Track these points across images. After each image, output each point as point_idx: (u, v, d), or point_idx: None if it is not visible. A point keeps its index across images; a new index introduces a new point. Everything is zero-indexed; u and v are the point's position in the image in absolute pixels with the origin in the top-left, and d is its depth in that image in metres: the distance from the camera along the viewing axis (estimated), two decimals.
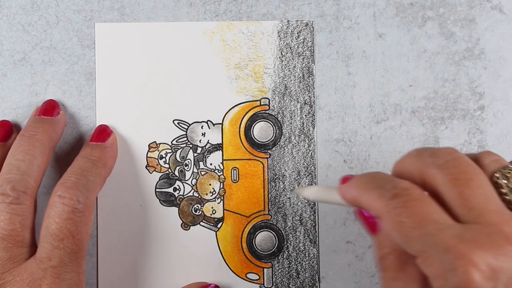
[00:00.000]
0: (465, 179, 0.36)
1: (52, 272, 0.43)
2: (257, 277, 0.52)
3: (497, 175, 0.37)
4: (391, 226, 0.36)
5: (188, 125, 0.52)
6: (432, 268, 0.35)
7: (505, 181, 0.37)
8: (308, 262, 0.52)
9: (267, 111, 0.52)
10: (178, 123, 0.51)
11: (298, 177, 0.52)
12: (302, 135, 0.52)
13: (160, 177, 0.51)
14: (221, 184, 0.52)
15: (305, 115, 0.52)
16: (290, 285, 0.52)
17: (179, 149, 0.51)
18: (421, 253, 0.35)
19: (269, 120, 0.52)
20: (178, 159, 0.51)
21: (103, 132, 0.50)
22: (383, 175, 0.39)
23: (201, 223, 0.52)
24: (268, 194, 0.52)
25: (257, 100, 0.52)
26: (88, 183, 0.46)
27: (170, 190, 0.51)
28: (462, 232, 0.34)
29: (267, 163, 0.52)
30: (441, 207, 0.36)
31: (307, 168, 0.52)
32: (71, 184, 0.45)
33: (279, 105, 0.52)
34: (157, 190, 0.51)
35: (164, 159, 0.51)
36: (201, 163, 0.52)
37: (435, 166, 0.37)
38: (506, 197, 0.37)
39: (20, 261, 0.44)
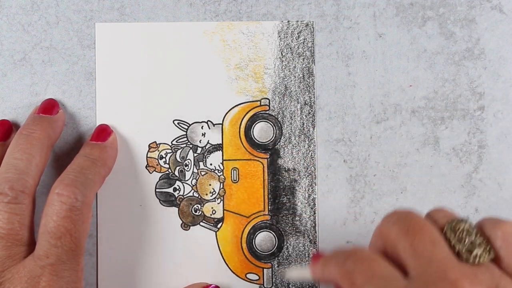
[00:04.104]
0: (414, 230, 0.39)
1: (50, 269, 0.43)
2: (257, 278, 0.52)
3: (445, 229, 0.39)
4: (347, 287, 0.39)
5: (188, 125, 0.52)
6: None
7: (453, 234, 0.39)
8: (308, 262, 0.52)
9: (267, 112, 0.52)
10: (178, 123, 0.51)
11: (298, 177, 0.52)
12: (302, 135, 0.52)
13: (160, 177, 0.51)
14: (221, 184, 0.52)
15: (305, 116, 0.52)
16: (290, 286, 0.52)
17: (179, 149, 0.51)
18: None
19: (269, 121, 0.52)
20: (178, 159, 0.51)
21: (103, 132, 0.50)
22: (341, 249, 0.42)
23: (201, 223, 0.51)
24: (268, 194, 0.52)
25: (257, 101, 0.52)
26: (87, 181, 0.46)
27: (170, 190, 0.51)
28: (409, 284, 0.37)
29: (267, 164, 0.52)
30: (393, 263, 0.39)
31: (307, 168, 0.52)
32: (70, 181, 0.45)
33: (279, 105, 0.52)
34: (157, 190, 0.51)
35: (164, 159, 0.51)
36: (201, 163, 0.52)
37: (389, 223, 0.40)
38: (455, 248, 0.38)
39: (19, 259, 0.44)
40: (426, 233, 0.38)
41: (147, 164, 0.51)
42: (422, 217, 0.40)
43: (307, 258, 0.52)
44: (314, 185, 0.52)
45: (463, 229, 0.39)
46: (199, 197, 0.52)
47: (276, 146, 0.52)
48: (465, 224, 0.39)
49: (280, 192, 0.52)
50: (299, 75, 0.52)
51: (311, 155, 0.52)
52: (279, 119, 0.52)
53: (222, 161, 0.52)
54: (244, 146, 0.52)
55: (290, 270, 0.49)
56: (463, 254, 0.38)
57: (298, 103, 0.52)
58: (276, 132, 0.52)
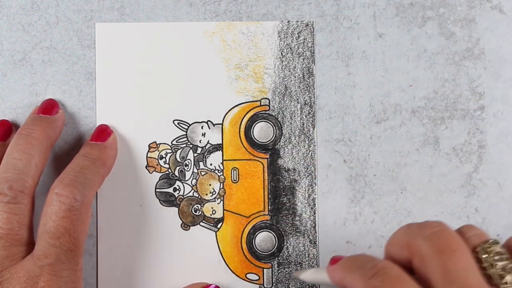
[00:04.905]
0: (448, 251, 0.37)
1: (49, 269, 0.43)
2: (257, 278, 0.52)
3: (478, 249, 0.38)
4: None
5: (188, 125, 0.52)
6: None
7: (485, 256, 0.38)
8: (308, 262, 0.52)
9: (267, 112, 0.52)
10: (178, 123, 0.52)
11: (298, 177, 0.52)
12: (302, 136, 0.52)
13: (160, 177, 0.51)
14: (221, 184, 0.52)
15: (305, 116, 0.52)
16: (290, 286, 0.52)
17: (179, 149, 0.52)
18: None
19: (269, 121, 0.52)
20: (178, 159, 0.51)
21: (103, 132, 0.50)
22: (366, 256, 0.40)
23: (201, 223, 0.51)
24: (268, 194, 0.52)
25: (257, 101, 0.52)
26: (86, 180, 0.46)
27: (170, 190, 0.51)
28: None
29: (267, 164, 0.52)
30: (422, 282, 0.37)
31: (307, 168, 0.52)
32: (69, 181, 0.45)
33: (279, 105, 0.52)
34: (157, 190, 0.51)
35: (164, 159, 0.51)
36: (201, 163, 0.52)
37: (421, 237, 0.38)
38: (486, 271, 0.37)
39: (18, 259, 0.44)
40: (459, 256, 0.37)
41: (147, 164, 0.51)
42: (456, 234, 0.38)
43: (307, 258, 0.52)
44: (314, 185, 0.52)
45: (495, 252, 0.38)
46: (199, 197, 0.52)
47: (276, 146, 0.52)
48: (497, 247, 0.38)
49: (280, 192, 0.52)
50: (299, 75, 0.52)
51: (311, 155, 0.52)
52: (279, 119, 0.52)
53: (222, 161, 0.52)
54: (244, 146, 0.52)
55: (303, 271, 0.47)
56: (494, 280, 0.37)
57: (298, 103, 0.52)
58: (276, 132, 0.52)
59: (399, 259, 0.40)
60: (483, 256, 0.38)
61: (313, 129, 0.52)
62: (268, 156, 0.52)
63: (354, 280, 0.39)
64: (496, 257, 0.38)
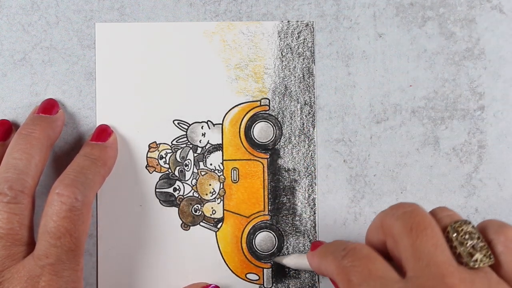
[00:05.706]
0: (418, 229, 0.38)
1: (49, 269, 0.43)
2: (257, 278, 0.52)
3: (448, 229, 0.39)
4: (342, 286, 0.39)
5: (188, 125, 0.52)
6: None
7: (455, 235, 0.38)
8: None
9: (267, 112, 0.52)
10: (178, 123, 0.52)
11: (298, 177, 0.52)
12: (302, 136, 0.52)
13: (160, 177, 0.51)
14: (221, 184, 0.52)
15: (305, 116, 0.52)
16: (290, 286, 0.52)
17: (179, 149, 0.52)
18: None
19: (269, 121, 0.52)
20: (178, 159, 0.51)
21: (104, 132, 0.50)
22: (340, 242, 0.42)
23: (201, 223, 0.51)
24: (268, 194, 0.52)
25: (257, 101, 0.52)
26: (87, 180, 0.46)
27: (170, 190, 0.51)
28: (405, 286, 0.36)
29: (267, 164, 0.52)
30: (392, 261, 0.39)
31: (307, 168, 0.52)
32: (70, 181, 0.45)
33: (279, 105, 0.52)
34: (157, 190, 0.51)
35: (164, 159, 0.51)
36: (201, 163, 0.52)
37: (393, 217, 0.39)
38: (456, 250, 0.38)
39: (19, 259, 0.44)
40: (429, 234, 0.38)
41: (147, 164, 0.51)
42: (427, 214, 0.39)
43: None
44: (314, 185, 0.52)
45: (466, 232, 0.38)
46: (199, 197, 0.52)
47: (276, 146, 0.52)
48: (468, 226, 0.39)
49: (280, 192, 0.52)
50: (299, 75, 0.52)
51: (311, 155, 0.52)
52: (279, 119, 0.52)
53: (222, 161, 0.52)
54: (244, 146, 0.52)
55: (286, 256, 0.50)
56: (463, 257, 0.38)
57: (298, 103, 0.52)
58: (276, 132, 0.52)
59: (376, 243, 0.41)
60: (454, 235, 0.38)
61: (313, 129, 0.52)
62: (268, 156, 0.52)
63: (328, 264, 0.40)
64: (466, 236, 0.38)
